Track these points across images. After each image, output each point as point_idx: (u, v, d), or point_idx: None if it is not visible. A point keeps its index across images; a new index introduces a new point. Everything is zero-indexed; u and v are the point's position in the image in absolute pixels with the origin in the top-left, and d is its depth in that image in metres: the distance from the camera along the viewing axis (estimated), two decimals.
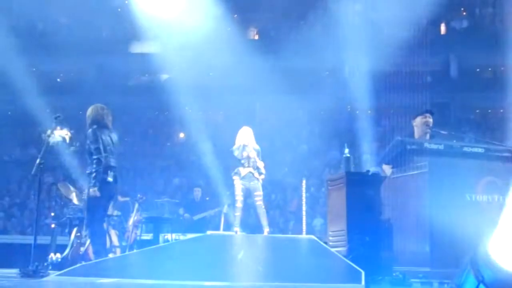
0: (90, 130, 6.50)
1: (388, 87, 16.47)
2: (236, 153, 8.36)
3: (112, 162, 6.51)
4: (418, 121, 6.23)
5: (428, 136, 6.14)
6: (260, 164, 8.40)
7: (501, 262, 2.12)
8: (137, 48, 19.84)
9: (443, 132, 6.16)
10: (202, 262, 5.86)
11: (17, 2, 16.98)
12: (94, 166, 6.30)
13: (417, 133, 6.20)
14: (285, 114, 16.81)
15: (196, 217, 11.37)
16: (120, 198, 9.34)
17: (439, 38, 18.67)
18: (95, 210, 6.45)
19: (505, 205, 2.36)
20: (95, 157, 6.31)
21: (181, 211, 11.62)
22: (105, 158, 6.39)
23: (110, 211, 9.02)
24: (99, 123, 6.59)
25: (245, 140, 8.41)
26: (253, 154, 8.37)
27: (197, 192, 12.05)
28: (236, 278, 5.43)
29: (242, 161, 8.35)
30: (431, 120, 6.16)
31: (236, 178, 8.36)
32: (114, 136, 6.74)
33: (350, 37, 15.57)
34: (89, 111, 6.69)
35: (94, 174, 6.26)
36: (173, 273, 5.32)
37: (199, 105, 19.59)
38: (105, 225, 8.57)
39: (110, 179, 6.40)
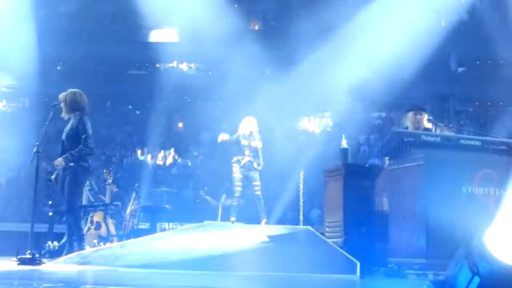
0: (78, 115, 6.35)
1: (387, 79, 16.44)
2: (240, 140, 8.40)
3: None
4: (410, 117, 6.25)
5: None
6: (260, 152, 8.44)
7: (497, 254, 2.10)
8: (138, 37, 19.79)
9: (440, 124, 6.16)
10: (199, 251, 5.88)
11: None
12: (81, 147, 6.21)
13: (409, 127, 6.20)
14: (283, 104, 16.78)
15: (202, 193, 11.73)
16: (114, 189, 9.33)
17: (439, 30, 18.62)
18: (77, 197, 6.47)
19: (504, 198, 2.35)
20: (86, 142, 6.21)
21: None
22: (93, 145, 6.38)
23: (107, 200, 9.06)
24: (83, 110, 6.46)
25: (250, 129, 8.45)
26: (258, 144, 8.41)
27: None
28: (233, 267, 5.46)
29: (244, 149, 8.38)
30: (420, 117, 6.15)
31: (235, 166, 8.38)
32: None
33: (349, 28, 15.55)
34: (74, 96, 6.47)
35: (77, 155, 6.20)
36: (170, 263, 5.34)
37: (198, 95, 19.62)
38: (102, 213, 8.64)
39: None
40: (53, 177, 6.49)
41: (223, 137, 8.37)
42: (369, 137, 17.54)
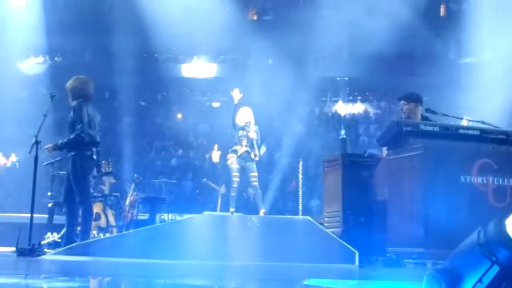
0: (76, 103, 6.25)
1: (387, 69, 16.44)
2: (237, 130, 8.40)
3: (98, 138, 6.41)
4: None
5: None
6: (255, 142, 8.43)
7: None
8: (136, 28, 19.74)
9: (438, 112, 6.14)
10: (198, 242, 5.90)
11: None
12: (74, 135, 6.15)
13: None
14: (283, 94, 16.78)
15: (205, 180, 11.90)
16: (112, 180, 9.32)
17: (438, 20, 18.59)
18: (86, 187, 6.41)
19: None
20: (78, 131, 6.12)
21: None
22: (93, 133, 6.29)
23: (106, 190, 9.06)
24: (86, 97, 6.37)
25: (246, 119, 8.44)
26: (253, 135, 8.40)
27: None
28: (232, 257, 5.47)
29: (241, 140, 8.37)
30: (407, 106, 6.09)
31: (233, 156, 8.38)
32: (95, 112, 6.50)
33: (349, 18, 15.50)
34: (75, 82, 6.40)
35: (69, 143, 6.18)
36: (169, 253, 5.35)
37: (197, 86, 19.60)
38: (102, 204, 8.64)
39: (95, 156, 6.34)
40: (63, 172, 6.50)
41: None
42: (368, 127, 17.56)
